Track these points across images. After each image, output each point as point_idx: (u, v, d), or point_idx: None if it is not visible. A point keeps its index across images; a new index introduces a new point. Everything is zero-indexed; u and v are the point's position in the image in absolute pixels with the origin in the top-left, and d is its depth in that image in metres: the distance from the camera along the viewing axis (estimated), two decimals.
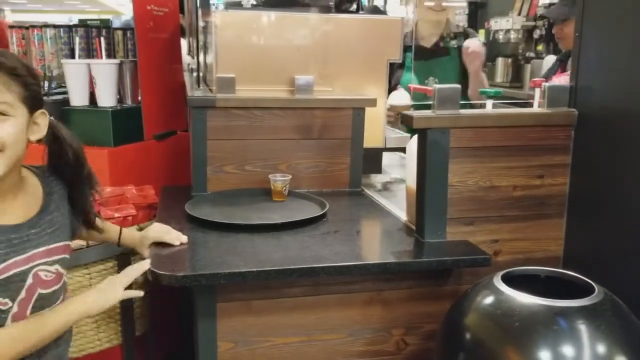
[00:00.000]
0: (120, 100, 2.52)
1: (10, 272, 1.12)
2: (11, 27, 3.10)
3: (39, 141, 1.19)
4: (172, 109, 2.70)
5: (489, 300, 1.22)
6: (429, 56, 2.64)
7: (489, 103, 1.58)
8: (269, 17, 2.00)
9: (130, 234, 1.57)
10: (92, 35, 2.86)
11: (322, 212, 1.69)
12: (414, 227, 1.59)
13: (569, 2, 3.18)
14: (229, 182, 1.96)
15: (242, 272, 1.31)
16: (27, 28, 2.98)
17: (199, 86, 2.01)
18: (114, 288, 1.29)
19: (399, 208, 1.83)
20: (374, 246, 1.50)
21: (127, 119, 2.43)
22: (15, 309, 1.15)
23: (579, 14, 1.53)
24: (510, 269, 1.28)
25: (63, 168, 1.26)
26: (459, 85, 1.50)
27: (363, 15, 2.23)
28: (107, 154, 2.30)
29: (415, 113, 1.47)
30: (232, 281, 1.33)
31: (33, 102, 1.13)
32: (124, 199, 2.01)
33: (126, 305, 1.74)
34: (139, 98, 2.47)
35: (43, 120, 1.17)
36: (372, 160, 2.19)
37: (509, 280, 1.25)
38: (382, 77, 2.14)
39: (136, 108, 2.47)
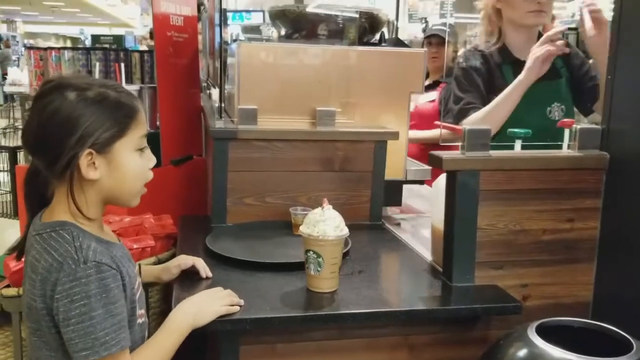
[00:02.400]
0: None
1: (138, 280, 1.21)
2: (29, 48, 3.13)
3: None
4: (189, 133, 2.69)
5: (522, 353, 1.18)
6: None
7: (518, 144, 1.56)
8: (291, 48, 1.99)
9: (149, 269, 1.55)
10: (110, 58, 2.87)
11: (345, 250, 1.66)
12: (440, 269, 1.56)
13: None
14: (249, 213, 1.93)
15: (269, 318, 1.28)
16: (45, 49, 3.00)
17: (220, 117, 2.00)
18: (216, 307, 1.26)
19: (421, 245, 1.80)
20: (401, 290, 1.47)
21: None
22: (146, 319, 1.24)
23: (612, 54, 1.51)
24: (544, 320, 1.24)
25: None
26: (489, 127, 1.47)
27: (385, 47, 2.22)
28: None
29: (445, 154, 1.44)
30: (258, 327, 1.30)
31: None
32: (142, 228, 1.99)
33: None
34: (157, 123, 2.46)
35: None
36: (392, 193, 2.16)
37: (541, 331, 1.21)
38: (404, 108, 2.12)
39: (154, 134, 2.46)
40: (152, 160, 1.19)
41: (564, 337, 1.22)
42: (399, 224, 2.09)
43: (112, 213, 2.02)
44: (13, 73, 10.28)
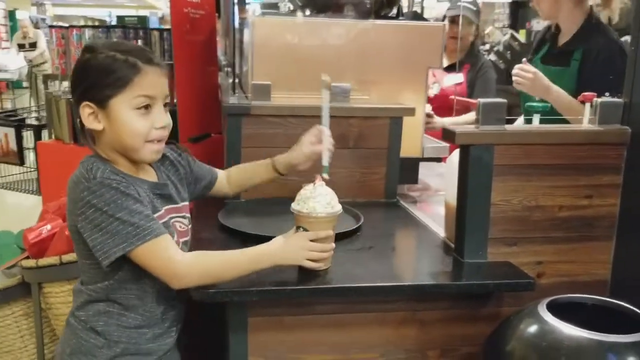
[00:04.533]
0: None
1: (165, 219, 1.28)
2: (51, 26, 3.16)
3: None
4: (207, 111, 2.68)
5: (532, 329, 1.16)
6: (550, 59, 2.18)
7: (536, 118, 1.51)
8: (306, 23, 1.96)
9: (287, 157, 1.60)
10: (129, 36, 2.88)
11: (356, 226, 1.65)
12: (452, 245, 1.54)
13: None
14: (263, 190, 1.91)
15: (274, 290, 1.28)
16: (66, 28, 3.02)
17: (234, 92, 1.99)
18: (302, 253, 1.28)
19: (435, 222, 1.77)
20: (411, 265, 1.45)
21: None
22: None
23: (635, 26, 1.45)
24: (556, 297, 1.22)
25: None
26: (504, 100, 1.43)
27: (403, 21, 2.17)
28: None
29: (458, 128, 1.41)
30: (264, 298, 1.30)
31: None
32: None
33: None
34: (175, 100, 2.47)
35: None
36: (408, 170, 2.13)
37: (553, 308, 1.18)
38: (422, 84, 2.09)
39: (171, 111, 2.45)
40: (160, 121, 1.24)
41: (576, 314, 1.19)
42: (415, 202, 2.06)
43: None
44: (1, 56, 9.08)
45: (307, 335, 1.40)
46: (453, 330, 1.45)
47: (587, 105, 1.53)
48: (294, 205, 1.34)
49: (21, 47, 9.82)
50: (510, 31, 2.36)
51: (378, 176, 2.00)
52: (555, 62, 2.10)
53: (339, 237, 1.59)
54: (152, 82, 1.21)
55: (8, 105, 9.46)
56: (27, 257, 1.94)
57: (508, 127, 1.42)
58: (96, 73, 1.18)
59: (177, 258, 1.19)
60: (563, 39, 2.13)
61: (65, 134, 2.64)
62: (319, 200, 1.31)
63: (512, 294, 1.43)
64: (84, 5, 22.92)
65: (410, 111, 1.97)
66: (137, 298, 1.26)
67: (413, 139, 2.10)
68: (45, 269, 1.84)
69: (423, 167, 2.47)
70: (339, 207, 1.35)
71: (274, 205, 1.85)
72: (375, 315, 1.42)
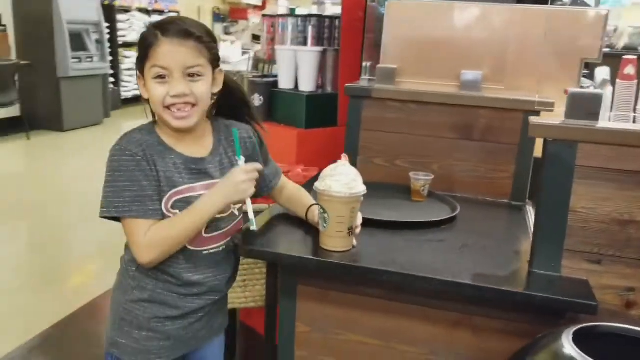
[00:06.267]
0: (322, 86, 2.69)
1: (188, 194, 1.30)
2: (264, 15, 3.55)
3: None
4: None
5: (547, 356, 0.99)
6: None
7: None
8: (442, 7, 1.89)
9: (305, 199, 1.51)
10: (323, 25, 3.09)
11: (442, 218, 1.56)
12: None
13: None
14: (377, 174, 1.93)
15: (304, 258, 1.32)
16: (276, 17, 3.37)
17: (362, 75, 2.03)
18: (239, 187, 1.30)
19: None
20: (471, 264, 1.32)
21: (323, 104, 2.57)
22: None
23: None
24: (595, 324, 1.02)
25: (232, 108, 1.44)
26: (600, 91, 1.21)
27: (555, 6, 1.93)
28: (297, 135, 2.49)
29: (535, 119, 1.24)
30: (290, 264, 1.36)
31: (214, 62, 1.31)
32: (287, 175, 2.16)
33: (271, 270, 1.83)
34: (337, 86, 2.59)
35: (220, 75, 1.36)
36: None
37: (586, 336, 0.99)
38: (574, 78, 1.84)
39: (334, 95, 2.60)
40: (173, 89, 1.25)
41: (616, 348, 0.98)
42: None
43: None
44: (223, 49, 10.12)
45: (352, 315, 1.41)
46: (516, 344, 1.29)
47: None
48: (316, 183, 1.33)
49: (255, 38, 10.71)
50: None
51: (506, 175, 1.85)
52: None
53: (425, 226, 1.54)
54: (165, 53, 1.24)
55: None
56: None
57: (601, 124, 1.20)
58: (139, 46, 1.29)
59: (138, 243, 1.25)
60: None
61: None
62: (337, 179, 1.29)
63: (592, 317, 1.21)
64: None
65: (549, 105, 1.76)
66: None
67: None
68: None
69: None
70: (360, 189, 1.31)
71: (380, 190, 1.84)
72: (426, 310, 1.35)
